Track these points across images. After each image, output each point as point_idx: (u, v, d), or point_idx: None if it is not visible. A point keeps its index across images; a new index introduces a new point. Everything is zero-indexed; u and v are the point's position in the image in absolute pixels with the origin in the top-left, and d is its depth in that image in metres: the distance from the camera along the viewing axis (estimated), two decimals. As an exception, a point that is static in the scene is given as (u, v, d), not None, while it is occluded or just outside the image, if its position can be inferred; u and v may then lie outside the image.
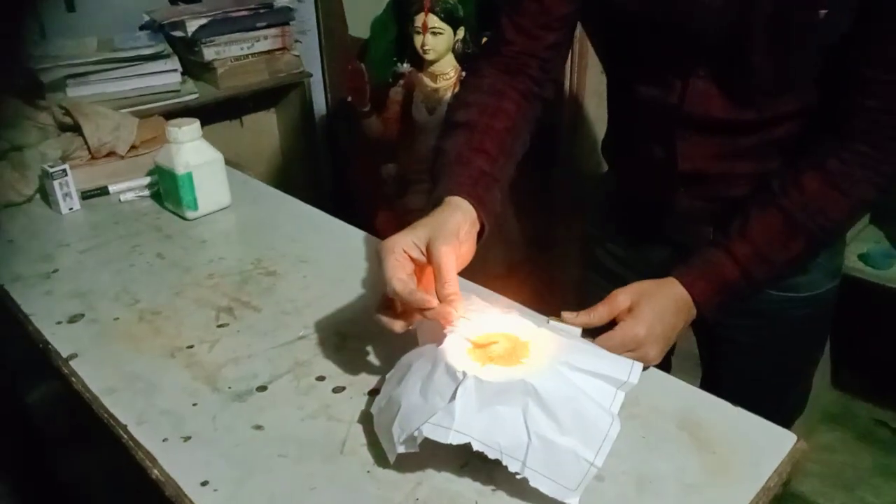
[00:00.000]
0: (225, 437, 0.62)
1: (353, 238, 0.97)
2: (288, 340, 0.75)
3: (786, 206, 0.68)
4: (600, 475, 0.55)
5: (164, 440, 0.62)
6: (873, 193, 0.68)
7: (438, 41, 1.69)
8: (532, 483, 0.51)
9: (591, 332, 0.68)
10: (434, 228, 0.61)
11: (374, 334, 0.72)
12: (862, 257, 1.59)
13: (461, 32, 1.69)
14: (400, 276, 0.58)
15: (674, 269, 0.70)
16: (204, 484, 0.57)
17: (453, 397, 0.52)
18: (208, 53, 1.68)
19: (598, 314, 0.67)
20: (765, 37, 0.66)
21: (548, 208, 1.80)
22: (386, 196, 1.91)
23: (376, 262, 0.62)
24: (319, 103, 2.17)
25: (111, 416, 0.65)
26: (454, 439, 0.51)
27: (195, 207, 1.02)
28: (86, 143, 1.13)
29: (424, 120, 1.77)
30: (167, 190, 1.04)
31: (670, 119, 0.75)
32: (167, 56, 1.60)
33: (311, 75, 1.94)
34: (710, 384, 0.96)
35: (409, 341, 0.64)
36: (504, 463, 0.52)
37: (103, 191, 1.11)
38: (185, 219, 1.03)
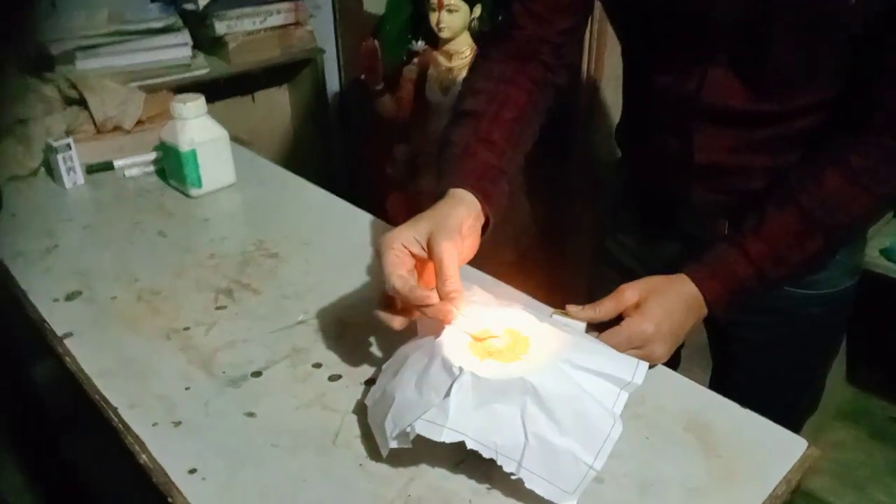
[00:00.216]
0: (216, 424, 0.61)
1: (359, 221, 0.95)
2: (286, 325, 0.74)
3: (804, 203, 0.65)
4: (600, 477, 0.53)
5: (154, 425, 0.61)
6: None
7: (454, 18, 1.65)
8: (528, 485, 0.49)
9: (596, 328, 0.66)
10: (436, 223, 0.59)
11: (374, 322, 0.70)
12: (883, 252, 1.54)
13: (478, 10, 1.65)
14: (399, 272, 0.56)
15: (685, 266, 0.67)
16: (192, 472, 0.56)
17: (448, 393, 0.51)
18: (220, 27, 1.66)
19: (604, 309, 0.65)
20: (788, 25, 0.62)
21: (562, 194, 1.77)
22: (398, 177, 1.89)
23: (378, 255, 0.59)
24: (333, 81, 2.14)
25: (103, 398, 0.64)
26: (447, 437, 0.49)
27: (199, 185, 1.01)
28: (91, 117, 1.11)
29: (438, 100, 1.74)
30: (171, 167, 1.02)
31: (686, 109, 0.71)
32: (178, 29, 1.58)
33: (324, 52, 1.91)
34: (721, 381, 0.94)
35: (410, 331, 0.62)
36: (499, 463, 0.50)
37: (108, 166, 1.09)
38: (188, 196, 1.01)
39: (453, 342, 0.55)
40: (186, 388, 0.65)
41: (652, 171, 0.81)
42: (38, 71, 1.20)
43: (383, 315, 0.59)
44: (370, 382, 0.65)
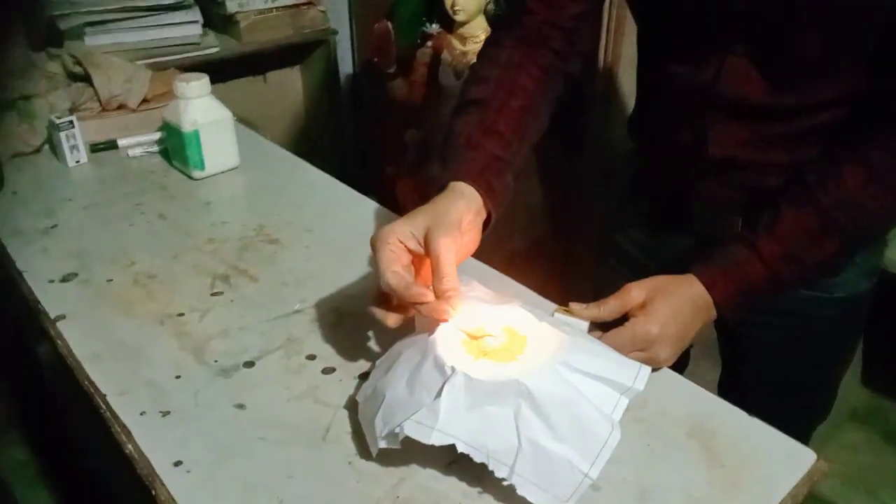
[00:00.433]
0: (205, 415, 0.59)
1: (363, 208, 0.93)
2: (282, 314, 0.72)
3: (822, 202, 0.62)
4: (597, 483, 0.51)
5: (141, 413, 0.59)
6: None
7: (469, 1, 1.62)
8: (520, 491, 0.47)
9: (600, 327, 0.64)
10: (434, 218, 0.57)
11: (371, 315, 0.68)
12: (904, 252, 1.50)
13: (494, -7, 1.61)
14: (394, 268, 0.54)
15: (694, 266, 0.64)
16: (177, 464, 0.54)
17: (439, 394, 0.49)
18: (231, 5, 1.64)
19: (608, 308, 0.62)
20: (810, 13, 0.59)
21: (575, 184, 1.73)
22: (408, 163, 1.86)
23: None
24: (346, 62, 2.11)
25: (92, 383, 0.63)
26: (437, 440, 0.47)
27: (202, 167, 0.99)
28: (96, 94, 1.10)
29: (452, 84, 1.70)
30: (174, 147, 1.00)
31: (702, 100, 0.68)
32: (188, 6, 1.56)
33: (336, 32, 1.88)
34: (729, 382, 0.91)
35: (408, 325, 0.60)
36: (490, 468, 0.48)
37: (112, 144, 1.08)
38: (191, 178, 1.00)
39: (447, 340, 0.53)
40: (177, 377, 0.64)
41: (664, 163, 0.78)
42: (47, 46, 1.19)
43: (377, 312, 0.57)
44: (364, 377, 0.63)
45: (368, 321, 0.68)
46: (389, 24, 1.74)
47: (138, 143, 1.08)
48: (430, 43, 1.77)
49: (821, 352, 0.81)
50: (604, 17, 1.48)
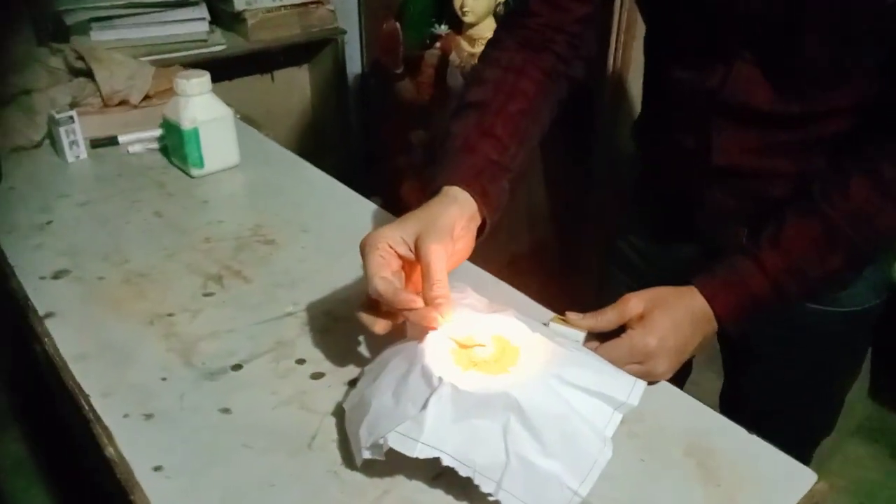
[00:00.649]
0: (189, 419, 0.58)
1: (362, 210, 0.91)
2: (274, 317, 0.71)
3: (827, 214, 0.60)
4: (587, 500, 0.49)
5: (125, 416, 0.58)
6: None
7: (478, 3, 1.61)
8: (506, 508, 0.46)
9: (598, 337, 0.62)
10: (425, 223, 0.55)
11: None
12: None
13: (503, -5, 1.60)
14: (383, 274, 0.53)
15: (695, 278, 0.63)
16: (157, 469, 0.53)
17: (426, 405, 0.47)
18: (239, 3, 1.63)
19: (605, 318, 0.60)
20: (820, 19, 0.57)
21: (581, 188, 1.72)
22: (414, 164, 1.85)
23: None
24: (355, 62, 2.10)
25: (76, 384, 0.62)
26: (421, 453, 0.46)
27: (201, 165, 0.98)
28: (98, 89, 1.09)
29: (459, 86, 1.69)
30: (173, 145, 0.99)
31: (707, 106, 0.66)
32: (195, 3, 1.55)
33: (345, 32, 1.87)
34: (732, 394, 0.89)
35: (399, 332, 0.59)
36: (476, 482, 0.46)
37: (112, 141, 1.07)
38: (190, 176, 0.99)
39: (436, 349, 0.51)
40: (163, 379, 0.62)
41: (668, 170, 0.76)
42: (53, 40, 1.19)
43: (365, 317, 0.55)
44: (354, 383, 0.61)
45: (361, 326, 0.67)
46: (398, 25, 1.73)
47: (139, 139, 1.07)
48: (438, 44, 1.76)
49: (826, 366, 0.79)
50: (614, 21, 1.47)
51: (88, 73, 1.09)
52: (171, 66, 1.30)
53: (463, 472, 0.46)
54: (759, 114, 0.64)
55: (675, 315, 0.60)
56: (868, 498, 1.50)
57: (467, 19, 1.63)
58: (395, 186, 1.84)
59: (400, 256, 0.55)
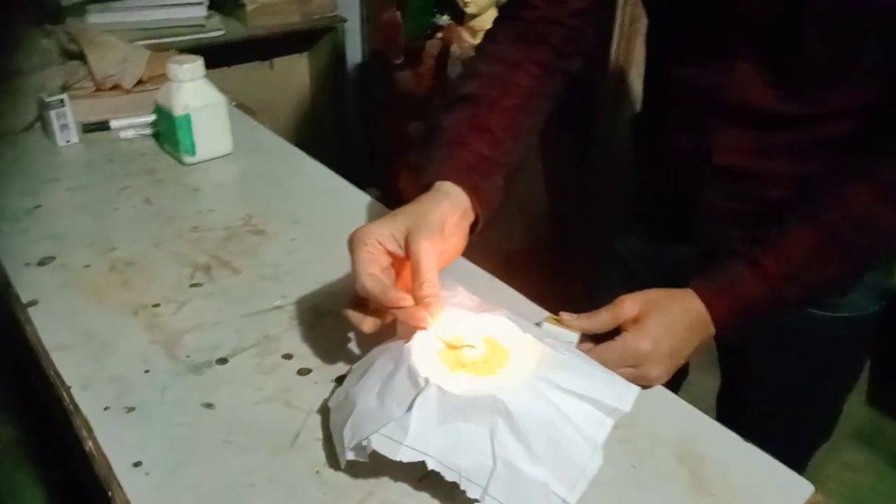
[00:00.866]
0: (171, 413, 0.57)
1: (355, 201, 0.90)
2: (261, 310, 0.69)
3: (826, 219, 0.58)
4: (576, 508, 0.48)
5: (105, 409, 0.57)
6: None
7: (480, -6, 1.58)
8: (492, 514, 0.44)
9: (592, 339, 0.60)
10: (415, 219, 0.54)
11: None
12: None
13: (506, -14, 1.58)
14: (371, 270, 0.51)
15: (692, 281, 0.61)
16: (137, 465, 0.52)
17: (411, 407, 0.46)
18: (238, -12, 1.61)
19: (599, 320, 0.59)
20: (823, 17, 0.55)
21: (581, 185, 1.70)
22: (412, 156, 1.83)
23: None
24: (355, 50, 2.08)
25: (57, 375, 0.60)
26: (405, 456, 0.44)
27: (193, 152, 0.96)
28: (90, 73, 1.07)
29: (459, 78, 1.67)
30: (165, 131, 0.98)
31: (706, 106, 0.65)
32: (194, -13, 1.53)
33: (345, 20, 1.85)
34: (728, 397, 0.88)
35: (389, 329, 0.57)
36: (462, 487, 0.45)
37: (104, 126, 1.05)
38: (182, 163, 0.97)
39: (424, 349, 0.50)
40: (146, 371, 0.61)
41: (665, 170, 0.75)
42: (37, 23, 1.16)
43: (353, 315, 0.54)
44: (341, 380, 0.60)
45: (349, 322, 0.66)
46: (399, 14, 1.71)
47: (131, 125, 1.05)
48: (439, 34, 1.74)
49: (825, 373, 0.78)
50: (617, 16, 1.45)
51: (81, 57, 1.07)
52: (168, 50, 1.28)
53: (448, 477, 0.45)
54: (758, 114, 0.63)
55: (670, 318, 0.58)
56: (859, 502, 1.49)
57: (469, 10, 1.61)
58: (393, 178, 1.82)
59: (389, 253, 0.54)
